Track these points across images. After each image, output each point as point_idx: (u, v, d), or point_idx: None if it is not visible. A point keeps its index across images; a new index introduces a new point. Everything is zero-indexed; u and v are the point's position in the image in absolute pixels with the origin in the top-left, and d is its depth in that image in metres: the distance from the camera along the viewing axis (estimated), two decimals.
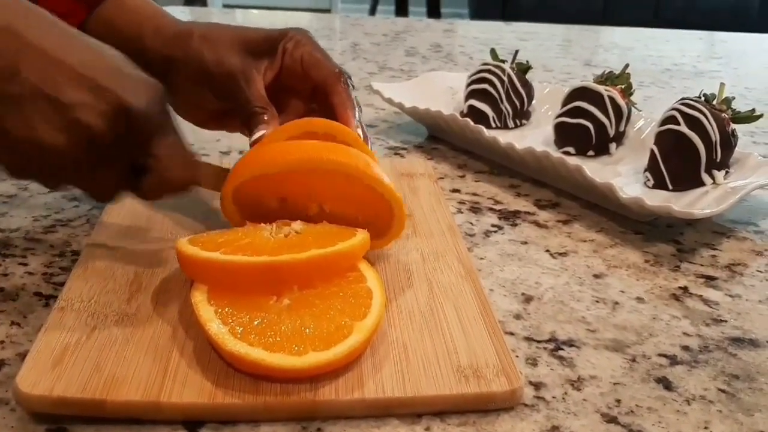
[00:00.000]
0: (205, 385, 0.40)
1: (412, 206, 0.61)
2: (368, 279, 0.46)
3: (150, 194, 0.50)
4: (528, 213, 0.65)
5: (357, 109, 0.57)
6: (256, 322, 0.41)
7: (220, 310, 0.42)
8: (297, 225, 0.49)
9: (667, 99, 0.73)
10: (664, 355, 0.47)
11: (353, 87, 0.58)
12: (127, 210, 0.58)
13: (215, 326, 0.41)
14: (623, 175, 0.71)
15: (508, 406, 0.41)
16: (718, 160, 0.67)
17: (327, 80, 0.57)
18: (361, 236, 0.48)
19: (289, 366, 0.39)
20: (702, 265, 0.58)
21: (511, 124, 0.81)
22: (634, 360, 0.46)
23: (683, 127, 0.66)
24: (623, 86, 0.75)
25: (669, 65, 1.26)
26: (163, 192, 0.50)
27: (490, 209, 0.66)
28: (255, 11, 2.25)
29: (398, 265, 0.52)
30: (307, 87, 0.58)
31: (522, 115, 0.83)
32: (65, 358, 0.41)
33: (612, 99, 0.73)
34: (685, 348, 0.48)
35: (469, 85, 0.82)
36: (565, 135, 0.74)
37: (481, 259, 0.57)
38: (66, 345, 0.42)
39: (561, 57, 1.31)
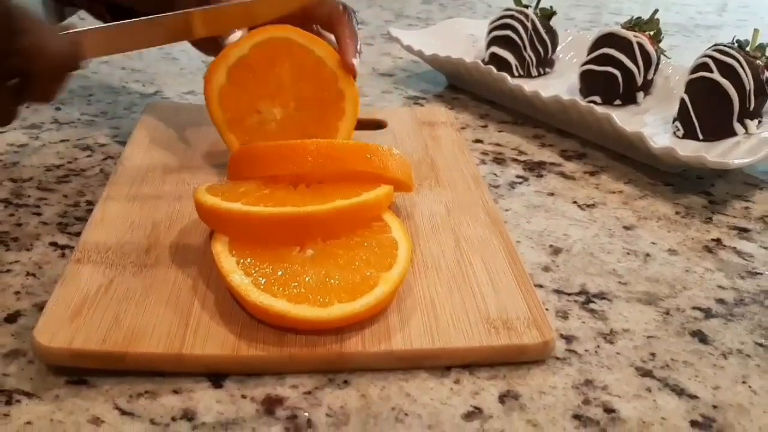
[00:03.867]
0: (228, 337, 0.39)
1: (434, 156, 0.59)
2: (393, 229, 0.45)
3: (40, 92, 0.46)
4: (553, 164, 0.63)
5: (358, 42, 0.58)
6: (279, 273, 0.40)
7: (242, 261, 0.41)
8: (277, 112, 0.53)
9: (693, 48, 0.71)
10: (699, 308, 0.45)
11: (357, 22, 0.59)
12: (142, 159, 0.56)
13: (237, 277, 0.40)
14: (650, 125, 0.69)
15: (540, 358, 0.40)
16: (751, 108, 0.64)
17: (332, 16, 0.57)
18: (386, 188, 0.46)
19: (315, 317, 0.38)
20: (734, 216, 0.56)
21: (534, 72, 0.79)
22: (667, 313, 0.45)
23: (716, 75, 0.64)
24: (652, 32, 0.72)
25: (693, 14, 1.22)
26: (50, 82, 0.46)
27: (515, 160, 0.64)
28: None
29: (422, 217, 0.51)
30: (309, 23, 0.59)
31: (545, 63, 0.80)
32: (84, 311, 0.40)
33: (641, 45, 0.70)
34: (720, 301, 0.46)
35: (490, 31, 0.79)
36: (591, 83, 0.72)
37: (507, 210, 0.56)
38: (84, 297, 0.41)
39: (583, 5, 1.27)
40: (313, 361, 0.38)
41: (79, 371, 0.38)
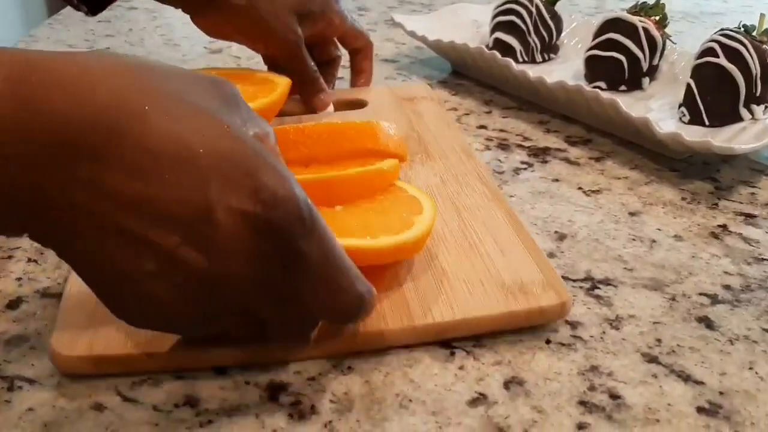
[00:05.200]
0: None
1: (420, 130, 0.60)
2: (409, 190, 0.46)
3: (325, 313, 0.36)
4: (558, 150, 0.63)
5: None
6: None
7: None
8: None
9: (698, 35, 0.70)
10: (705, 294, 0.45)
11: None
12: None
13: None
14: (656, 110, 0.68)
15: (558, 319, 0.41)
16: (757, 94, 0.64)
17: (364, 48, 0.69)
18: (394, 160, 0.47)
19: (366, 247, 0.38)
20: (741, 202, 0.56)
21: (538, 58, 0.78)
22: (673, 299, 0.44)
23: (722, 60, 0.63)
24: (658, 17, 0.72)
25: (698, 0, 1.21)
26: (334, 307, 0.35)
27: (519, 146, 0.63)
28: None
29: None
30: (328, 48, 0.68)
31: (550, 48, 0.79)
32: (98, 313, 0.37)
33: (646, 30, 0.69)
34: (727, 287, 0.46)
35: (495, 17, 0.78)
36: (596, 69, 0.71)
37: (511, 196, 0.55)
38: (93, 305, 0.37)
39: None
40: (336, 342, 0.38)
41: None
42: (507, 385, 0.37)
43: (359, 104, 0.66)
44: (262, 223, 0.31)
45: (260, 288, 0.32)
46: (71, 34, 0.96)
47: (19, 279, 0.44)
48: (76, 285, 0.40)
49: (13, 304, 0.42)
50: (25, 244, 0.47)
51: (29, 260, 0.45)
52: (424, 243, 0.42)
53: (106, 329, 0.37)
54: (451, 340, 0.39)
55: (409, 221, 0.41)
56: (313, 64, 0.63)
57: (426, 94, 0.68)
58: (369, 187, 0.45)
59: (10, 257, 0.45)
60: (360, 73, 0.69)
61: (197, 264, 0.31)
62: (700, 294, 0.45)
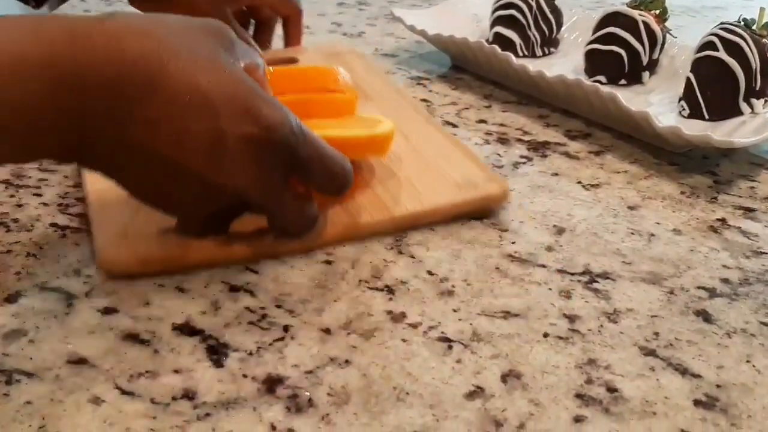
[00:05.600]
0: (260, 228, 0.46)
1: (354, 78, 0.61)
2: (365, 115, 0.55)
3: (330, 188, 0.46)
4: (558, 144, 0.63)
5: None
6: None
7: None
8: None
9: (699, 29, 0.70)
10: (703, 288, 0.45)
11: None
12: None
13: None
14: (656, 104, 0.68)
15: (503, 202, 0.52)
16: (757, 88, 0.64)
17: (292, 15, 0.73)
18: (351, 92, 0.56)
19: (343, 136, 0.47)
20: (740, 196, 0.56)
21: (538, 52, 0.78)
22: (672, 293, 0.44)
23: (722, 54, 0.63)
24: (658, 11, 0.72)
25: None
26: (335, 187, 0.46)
27: (519, 140, 0.63)
28: None
29: None
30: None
31: (550, 42, 0.79)
32: (129, 232, 0.45)
33: (646, 24, 0.69)
34: (725, 281, 0.46)
35: (495, 11, 0.78)
36: (596, 63, 0.71)
37: (510, 190, 0.55)
38: (123, 223, 0.46)
39: None
40: (331, 232, 0.47)
41: (76, 360, 0.38)
42: (504, 378, 0.37)
43: (291, 61, 0.71)
44: (265, 142, 0.40)
45: (267, 188, 0.42)
46: None
47: (17, 273, 0.44)
48: (99, 217, 0.47)
49: (12, 297, 0.42)
50: (24, 239, 0.47)
51: (28, 255, 0.45)
52: (390, 143, 0.51)
53: (142, 239, 0.45)
54: (413, 229, 0.48)
55: (374, 126, 0.51)
56: (241, 29, 0.70)
57: (349, 50, 0.76)
58: (335, 110, 0.54)
59: (9, 252, 0.46)
60: (289, 39, 0.75)
61: (217, 179, 0.40)
62: (698, 287, 0.45)
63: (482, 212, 0.51)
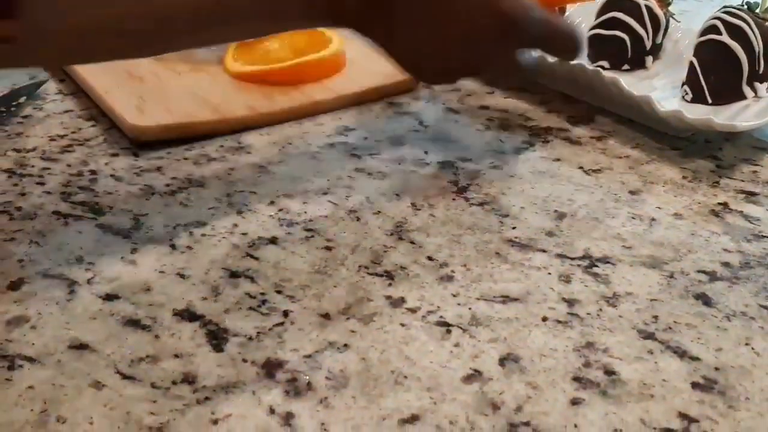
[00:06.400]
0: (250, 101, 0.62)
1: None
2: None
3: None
4: (560, 129, 0.63)
5: None
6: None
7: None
8: None
9: (703, 14, 0.69)
10: (704, 272, 0.45)
11: None
12: None
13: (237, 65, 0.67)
14: (659, 89, 0.67)
15: (416, 88, 0.67)
16: (760, 71, 0.63)
17: None
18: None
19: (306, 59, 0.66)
20: (742, 180, 0.55)
21: None
22: (671, 276, 0.44)
23: (725, 37, 0.62)
24: None
25: None
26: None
27: (521, 126, 0.63)
28: None
29: None
30: None
31: None
32: (144, 106, 0.58)
33: (649, 9, 0.69)
34: (726, 264, 0.46)
35: None
36: (599, 48, 0.71)
37: (511, 176, 0.55)
38: (136, 104, 0.59)
39: None
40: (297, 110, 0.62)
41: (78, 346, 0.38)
42: (502, 361, 0.37)
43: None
44: (507, 18, 0.50)
45: (500, 51, 0.53)
46: None
47: (21, 261, 0.44)
48: (111, 96, 0.60)
49: (15, 284, 0.42)
50: (27, 227, 0.47)
51: (31, 242, 0.46)
52: (344, 56, 0.69)
53: (157, 113, 0.58)
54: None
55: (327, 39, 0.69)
56: None
57: None
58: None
59: (12, 239, 0.46)
60: None
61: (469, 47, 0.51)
62: (699, 271, 0.45)
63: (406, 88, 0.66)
